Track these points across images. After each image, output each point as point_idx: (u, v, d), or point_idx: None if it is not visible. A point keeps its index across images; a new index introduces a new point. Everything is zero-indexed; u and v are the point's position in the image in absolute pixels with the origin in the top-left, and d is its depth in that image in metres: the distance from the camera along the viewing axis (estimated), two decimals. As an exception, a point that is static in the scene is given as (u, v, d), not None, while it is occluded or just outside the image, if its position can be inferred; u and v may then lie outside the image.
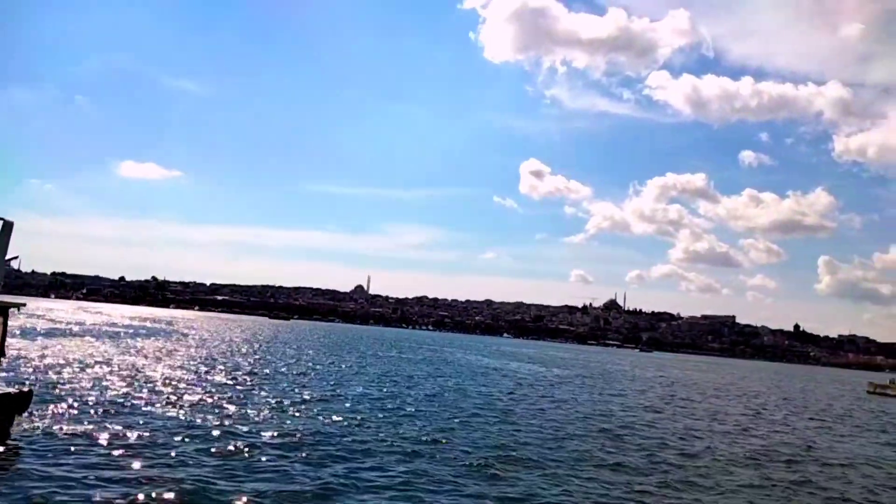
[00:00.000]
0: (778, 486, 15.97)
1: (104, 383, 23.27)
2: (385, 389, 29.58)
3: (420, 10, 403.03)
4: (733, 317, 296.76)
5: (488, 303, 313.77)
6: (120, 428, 15.64)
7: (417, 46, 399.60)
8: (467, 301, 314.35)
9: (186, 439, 15.14)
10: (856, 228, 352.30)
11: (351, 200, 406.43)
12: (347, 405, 23.17)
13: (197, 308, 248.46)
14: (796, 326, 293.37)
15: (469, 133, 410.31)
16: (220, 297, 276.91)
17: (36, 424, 15.18)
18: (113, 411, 17.87)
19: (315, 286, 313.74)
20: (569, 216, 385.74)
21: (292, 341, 73.33)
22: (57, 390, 20.62)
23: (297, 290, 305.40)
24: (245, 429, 16.96)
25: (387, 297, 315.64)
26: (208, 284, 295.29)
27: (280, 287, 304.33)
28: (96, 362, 30.51)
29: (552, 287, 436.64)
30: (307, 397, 24.19)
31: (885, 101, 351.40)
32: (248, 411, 19.79)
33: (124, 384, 23.43)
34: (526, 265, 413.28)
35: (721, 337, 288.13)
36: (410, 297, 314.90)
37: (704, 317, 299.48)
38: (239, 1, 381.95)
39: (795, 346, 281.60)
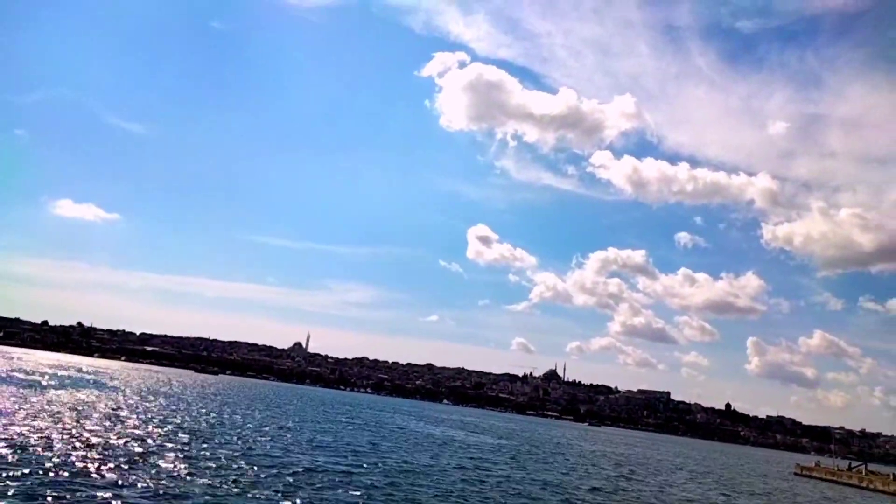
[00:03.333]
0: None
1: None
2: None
3: (378, 71, 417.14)
4: (668, 393, 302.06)
5: (429, 367, 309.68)
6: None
7: (372, 106, 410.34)
8: (408, 364, 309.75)
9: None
10: (783, 313, 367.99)
11: (292, 254, 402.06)
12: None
13: (123, 358, 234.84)
14: (727, 405, 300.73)
15: (418, 195, 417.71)
16: (149, 348, 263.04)
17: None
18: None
19: (251, 341, 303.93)
20: (513, 284, 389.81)
21: (218, 397, 69.84)
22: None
23: (232, 345, 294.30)
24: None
25: (326, 357, 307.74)
26: (137, 334, 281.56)
27: (214, 340, 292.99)
28: None
29: (493, 354, 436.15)
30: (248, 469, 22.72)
31: (807, 195, 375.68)
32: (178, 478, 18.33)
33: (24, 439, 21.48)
34: (468, 330, 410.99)
35: (656, 412, 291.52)
36: (350, 357, 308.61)
37: (641, 391, 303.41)
38: (192, 44, 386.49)
39: (726, 425, 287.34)
